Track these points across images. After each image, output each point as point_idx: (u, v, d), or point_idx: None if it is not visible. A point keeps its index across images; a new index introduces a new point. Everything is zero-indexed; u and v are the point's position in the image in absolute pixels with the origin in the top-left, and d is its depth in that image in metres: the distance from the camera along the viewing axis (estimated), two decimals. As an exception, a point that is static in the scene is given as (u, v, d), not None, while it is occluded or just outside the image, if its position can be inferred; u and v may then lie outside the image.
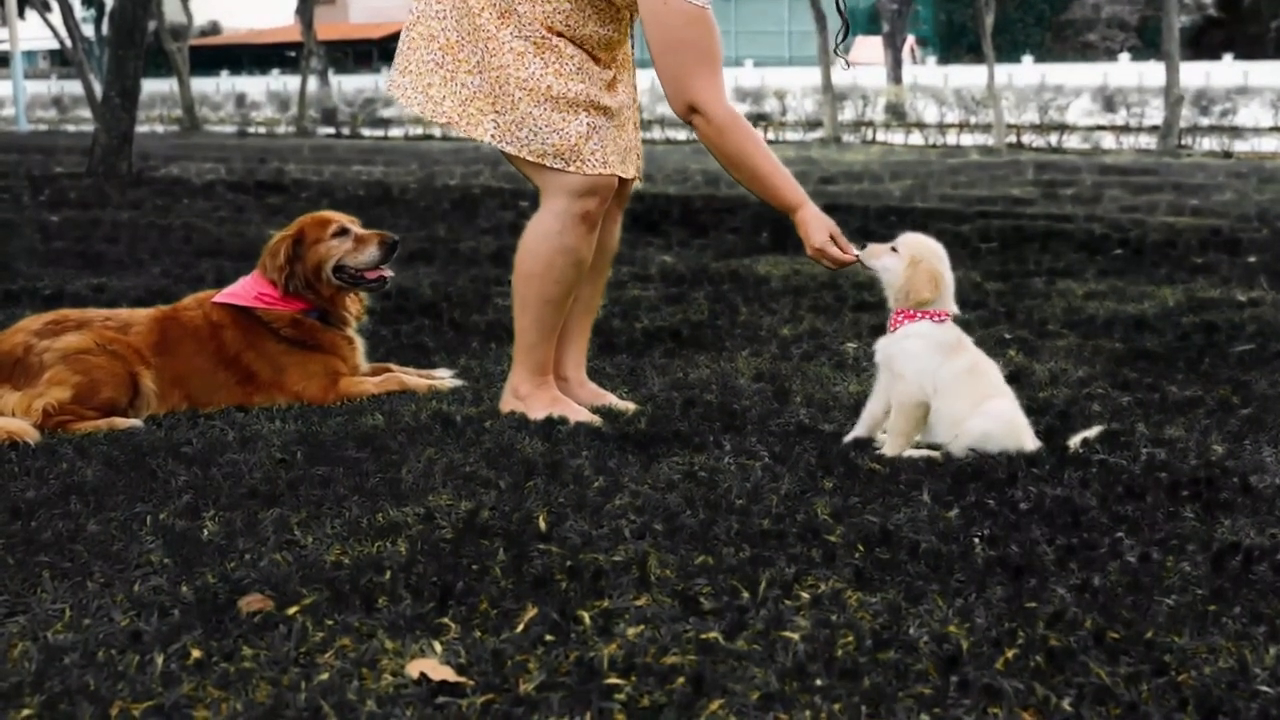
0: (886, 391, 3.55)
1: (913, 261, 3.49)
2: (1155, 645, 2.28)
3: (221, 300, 4.09)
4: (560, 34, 3.68)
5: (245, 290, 4.11)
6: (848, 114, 24.76)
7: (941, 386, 3.46)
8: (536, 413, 3.82)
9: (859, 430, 3.59)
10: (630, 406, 3.94)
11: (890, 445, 3.48)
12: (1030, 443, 3.47)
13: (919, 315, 3.51)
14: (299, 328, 4.10)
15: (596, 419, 3.79)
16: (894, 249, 3.55)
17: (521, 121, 3.66)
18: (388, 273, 4.21)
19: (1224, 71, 29.94)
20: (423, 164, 16.50)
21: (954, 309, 3.56)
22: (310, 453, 3.45)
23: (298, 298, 4.11)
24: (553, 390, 3.92)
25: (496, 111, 3.69)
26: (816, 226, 3.65)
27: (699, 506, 3.01)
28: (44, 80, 45.85)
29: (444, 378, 4.32)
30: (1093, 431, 3.58)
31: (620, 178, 3.82)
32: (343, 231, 4.15)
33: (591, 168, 3.71)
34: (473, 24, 3.68)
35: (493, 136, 3.70)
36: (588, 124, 3.70)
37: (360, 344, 4.27)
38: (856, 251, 3.61)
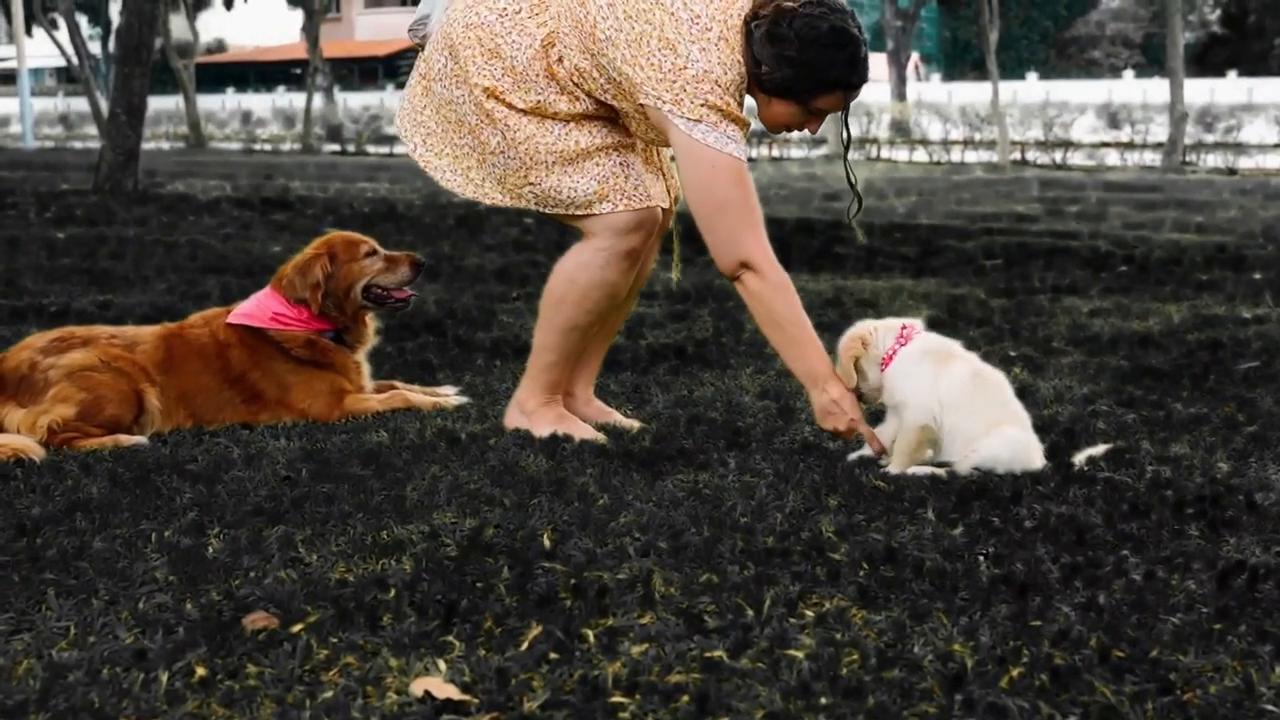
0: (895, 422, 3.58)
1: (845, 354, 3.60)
2: (1160, 664, 2.28)
3: (235, 321, 4.09)
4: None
5: (260, 310, 4.11)
6: (853, 130, 24.77)
7: (947, 400, 3.46)
8: (541, 429, 3.82)
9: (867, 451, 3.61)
10: (635, 424, 3.95)
11: (894, 463, 3.48)
12: (1039, 462, 3.47)
13: (896, 344, 3.55)
14: (312, 348, 4.11)
15: (601, 437, 3.79)
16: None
17: (559, 186, 3.70)
18: (413, 293, 4.27)
19: (1228, 88, 29.97)
20: (427, 181, 16.50)
21: (915, 322, 3.62)
22: (315, 470, 3.45)
23: (324, 317, 4.12)
24: (559, 407, 3.92)
25: (531, 183, 3.72)
26: (850, 404, 3.60)
27: (703, 524, 3.01)
28: (50, 97, 46.00)
29: (449, 395, 4.33)
30: (1099, 449, 3.58)
31: (663, 208, 3.84)
32: (372, 252, 4.19)
33: (638, 201, 3.72)
34: (484, 111, 3.70)
35: (536, 204, 3.75)
36: (619, 162, 3.73)
37: (365, 363, 4.28)
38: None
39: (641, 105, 3.58)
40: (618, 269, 3.77)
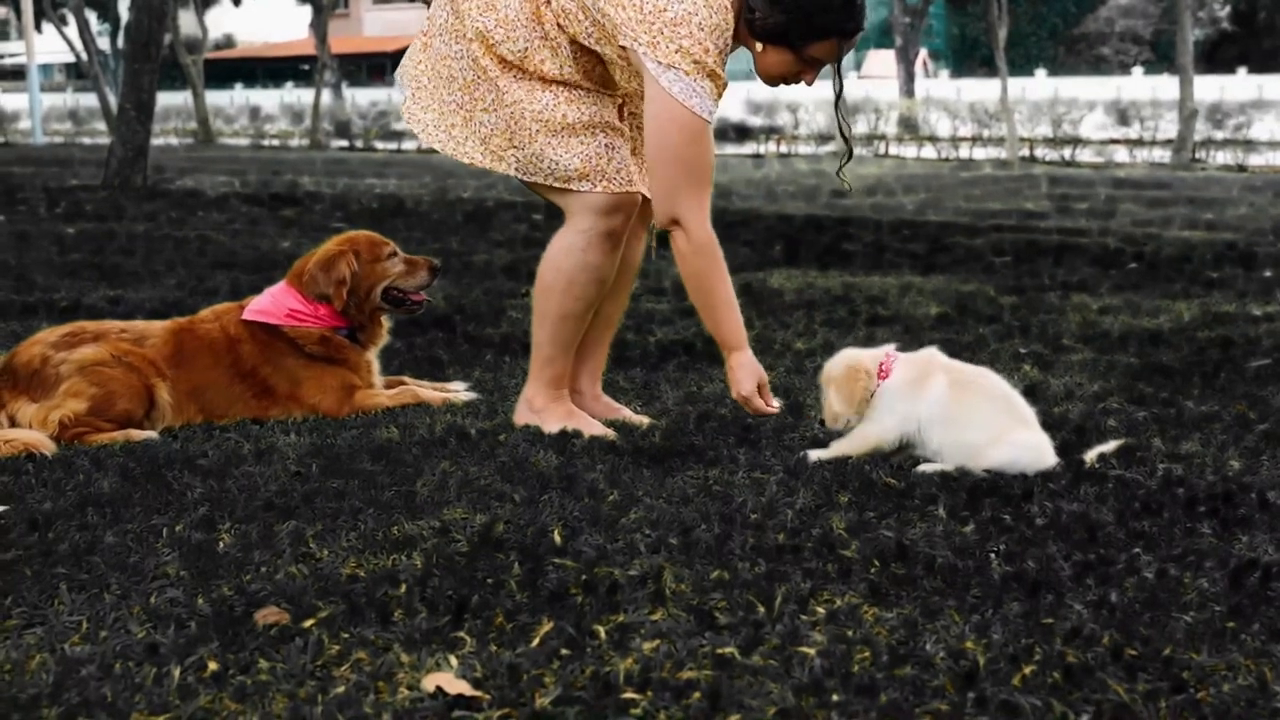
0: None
1: (828, 380, 3.60)
2: (1173, 662, 2.27)
3: (250, 317, 4.09)
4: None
5: (276, 307, 4.11)
6: (860, 127, 24.74)
7: (931, 418, 3.46)
8: (551, 426, 3.82)
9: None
10: (644, 420, 3.94)
11: (834, 446, 3.54)
12: (1051, 459, 3.46)
13: (880, 378, 3.54)
14: (326, 345, 4.11)
15: (611, 433, 3.79)
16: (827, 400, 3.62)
17: (541, 154, 3.70)
18: (427, 297, 4.31)
19: (1238, 85, 29.88)
20: (436, 177, 16.53)
21: (887, 348, 3.61)
22: (326, 465, 3.45)
23: (342, 315, 4.12)
24: (568, 404, 3.93)
25: (515, 146, 3.72)
26: (748, 374, 3.69)
27: (714, 521, 3.01)
28: (60, 93, 46.03)
29: (458, 391, 4.33)
30: (1109, 446, 3.57)
31: (645, 195, 3.83)
32: (394, 254, 4.21)
33: (617, 185, 3.74)
34: (479, 67, 3.71)
35: (516, 170, 3.74)
36: (605, 144, 3.73)
37: (375, 360, 4.28)
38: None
39: (622, 48, 3.57)
40: (599, 251, 3.77)
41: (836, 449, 3.55)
